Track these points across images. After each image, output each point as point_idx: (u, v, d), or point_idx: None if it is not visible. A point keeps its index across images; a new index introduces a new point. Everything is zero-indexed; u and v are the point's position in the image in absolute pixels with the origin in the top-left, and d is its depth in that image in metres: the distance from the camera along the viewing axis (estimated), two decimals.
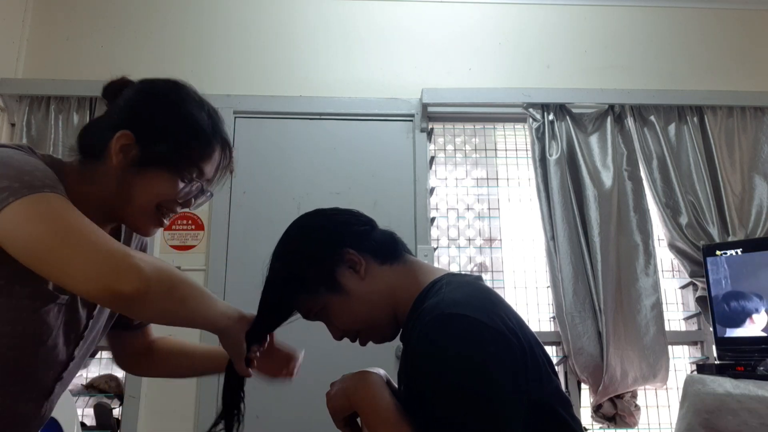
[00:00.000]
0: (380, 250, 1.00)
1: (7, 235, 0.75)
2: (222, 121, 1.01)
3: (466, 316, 0.81)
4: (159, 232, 2.45)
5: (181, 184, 0.93)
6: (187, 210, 1.00)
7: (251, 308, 1.19)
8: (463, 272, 1.19)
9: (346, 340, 1.04)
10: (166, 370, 1.25)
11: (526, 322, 0.93)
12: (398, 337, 1.04)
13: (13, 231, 0.74)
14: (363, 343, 1.03)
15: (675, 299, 2.68)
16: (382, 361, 2.34)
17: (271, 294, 1.02)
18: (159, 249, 2.43)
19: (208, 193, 1.00)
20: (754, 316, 2.10)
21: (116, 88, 0.97)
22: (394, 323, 1.00)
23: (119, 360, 1.21)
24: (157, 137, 0.91)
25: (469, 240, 2.65)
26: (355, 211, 1.06)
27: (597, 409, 2.37)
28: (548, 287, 2.51)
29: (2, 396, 0.87)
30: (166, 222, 0.98)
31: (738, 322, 2.12)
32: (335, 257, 0.98)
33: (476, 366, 0.78)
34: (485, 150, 2.75)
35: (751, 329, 2.08)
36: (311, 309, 1.00)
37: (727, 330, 2.13)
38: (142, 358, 1.19)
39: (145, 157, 0.90)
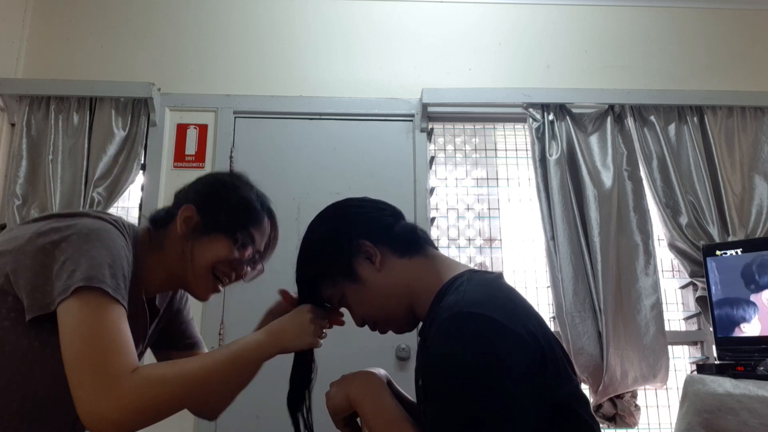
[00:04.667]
0: (399, 243, 1.01)
1: (60, 324, 0.86)
2: (269, 201, 1.15)
3: (485, 315, 0.81)
4: None
5: (235, 248, 1.06)
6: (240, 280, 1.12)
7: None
8: (484, 269, 1.19)
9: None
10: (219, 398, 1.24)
11: (546, 322, 0.93)
12: (403, 333, 1.05)
13: (63, 326, 0.85)
14: (382, 332, 1.05)
15: (675, 299, 2.69)
16: (382, 361, 2.35)
17: (299, 274, 1.06)
18: None
19: (260, 266, 1.12)
20: (746, 325, 2.11)
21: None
22: (410, 315, 1.01)
23: None
24: (214, 208, 1.07)
25: (469, 240, 2.65)
26: (381, 203, 1.08)
27: (597, 409, 2.37)
28: (548, 287, 2.51)
29: (33, 421, 0.93)
30: (222, 288, 1.10)
31: (730, 331, 2.13)
32: (351, 248, 0.99)
33: (490, 367, 0.78)
34: (485, 150, 2.75)
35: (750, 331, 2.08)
36: (332, 295, 1.03)
37: (727, 330, 2.13)
38: None
39: (204, 225, 1.06)
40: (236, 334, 1.25)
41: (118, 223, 0.98)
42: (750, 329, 2.08)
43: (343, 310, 1.06)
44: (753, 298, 2.09)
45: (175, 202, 1.12)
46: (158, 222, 1.10)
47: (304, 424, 1.06)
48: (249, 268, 1.10)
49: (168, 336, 1.21)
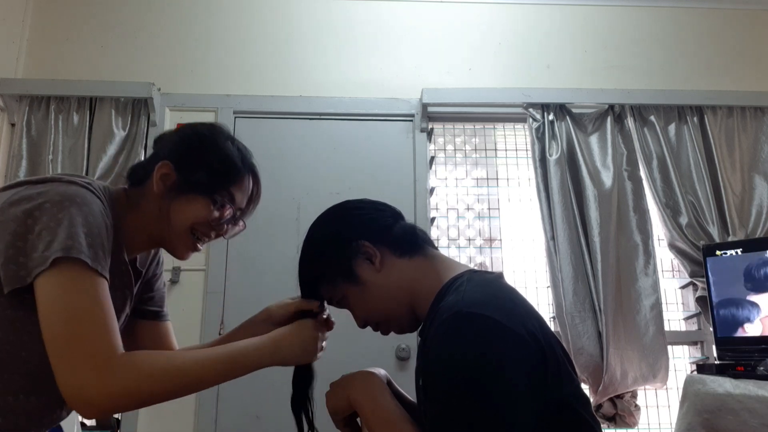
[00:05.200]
0: (398, 244, 1.01)
1: (38, 298, 0.83)
2: (251, 155, 1.10)
3: (484, 315, 0.81)
4: None
5: (213, 209, 1.02)
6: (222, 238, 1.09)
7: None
8: (484, 269, 1.20)
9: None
10: None
11: (547, 322, 0.92)
12: (405, 333, 1.05)
13: (41, 301, 0.82)
14: (384, 333, 1.05)
15: (675, 299, 2.69)
16: (382, 361, 2.34)
17: (301, 275, 1.06)
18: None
19: (241, 224, 1.09)
20: (746, 325, 2.12)
21: (163, 135, 1.12)
22: (411, 315, 1.01)
23: None
24: (193, 166, 1.02)
25: (469, 240, 2.65)
26: (380, 204, 1.08)
27: (597, 409, 2.37)
28: (548, 287, 2.51)
29: (30, 394, 0.91)
30: (201, 247, 1.07)
31: (730, 331, 2.13)
32: (351, 249, 1.00)
33: (489, 367, 0.78)
34: (485, 150, 2.75)
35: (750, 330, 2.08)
36: (332, 296, 1.04)
37: (729, 330, 2.13)
38: None
39: (181, 184, 1.01)
40: None
41: (92, 186, 0.94)
42: (753, 329, 2.09)
43: (346, 311, 1.06)
44: (753, 298, 2.09)
45: (153, 154, 1.07)
46: (135, 179, 1.05)
47: (309, 425, 1.07)
48: (229, 227, 1.07)
49: (137, 303, 1.16)
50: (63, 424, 1.66)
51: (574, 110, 2.65)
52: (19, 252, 0.83)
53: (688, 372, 2.50)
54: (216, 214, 1.02)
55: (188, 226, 1.02)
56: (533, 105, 2.62)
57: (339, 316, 1.10)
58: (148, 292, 1.19)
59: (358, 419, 1.00)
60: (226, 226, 1.06)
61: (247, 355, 0.94)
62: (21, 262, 0.83)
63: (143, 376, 0.83)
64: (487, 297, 0.86)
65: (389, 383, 1.02)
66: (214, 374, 0.91)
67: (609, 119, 2.63)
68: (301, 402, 1.07)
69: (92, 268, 0.84)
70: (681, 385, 2.03)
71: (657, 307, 2.42)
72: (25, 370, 0.88)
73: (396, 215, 1.06)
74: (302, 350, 1.00)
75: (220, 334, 2.38)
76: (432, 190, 2.65)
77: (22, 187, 0.90)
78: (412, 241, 1.02)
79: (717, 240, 2.45)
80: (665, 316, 2.45)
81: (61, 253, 0.81)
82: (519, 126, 2.75)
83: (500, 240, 2.66)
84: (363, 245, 0.99)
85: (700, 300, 2.46)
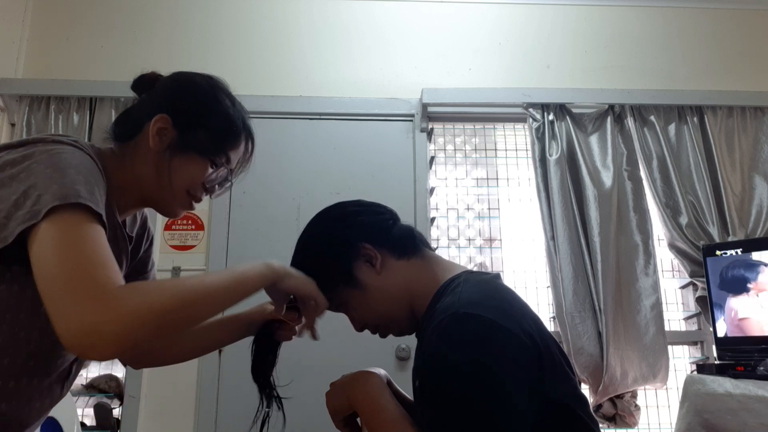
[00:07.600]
0: (397, 245, 1.01)
1: (31, 247, 0.74)
2: (248, 115, 1.06)
3: (481, 316, 0.81)
4: (159, 232, 2.45)
5: (210, 170, 0.98)
6: (208, 197, 1.04)
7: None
8: (481, 270, 1.19)
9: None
10: (173, 352, 1.16)
11: (544, 322, 0.92)
12: (404, 335, 1.04)
13: (34, 249, 0.73)
14: (383, 336, 1.04)
15: (675, 299, 2.69)
16: (382, 361, 2.35)
17: None
18: (159, 249, 2.43)
19: (230, 183, 1.04)
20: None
21: (148, 82, 1.05)
22: (411, 317, 1.01)
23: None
24: (193, 123, 0.96)
25: (469, 240, 2.65)
26: (377, 205, 1.07)
27: (597, 409, 2.37)
28: (548, 287, 2.51)
29: (33, 376, 0.86)
30: (195, 206, 1.03)
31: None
32: (351, 252, 0.99)
33: (486, 368, 0.78)
34: (485, 150, 2.75)
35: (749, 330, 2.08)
36: (331, 300, 1.02)
37: (727, 330, 2.13)
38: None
39: (180, 142, 0.95)
40: None
41: (79, 143, 0.86)
42: (720, 329, 2.14)
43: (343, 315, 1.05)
44: (729, 300, 2.10)
45: (141, 102, 1.01)
46: (123, 133, 0.98)
47: (276, 399, 1.07)
48: (219, 186, 1.03)
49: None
50: (63, 424, 1.66)
51: (574, 110, 2.65)
52: (1, 213, 0.75)
53: (688, 372, 2.50)
54: (213, 176, 0.99)
55: (186, 187, 0.98)
56: (533, 105, 2.62)
57: (338, 316, 1.10)
58: (142, 273, 1.12)
59: (358, 419, 1.00)
60: (217, 186, 1.03)
61: (246, 273, 0.88)
62: (2, 224, 0.75)
63: (152, 296, 0.74)
64: (483, 297, 0.86)
65: (389, 383, 1.02)
66: (221, 292, 0.82)
67: (609, 119, 2.63)
68: (265, 376, 1.06)
69: (95, 212, 0.76)
70: (681, 385, 2.03)
71: (657, 307, 2.42)
72: (26, 352, 0.82)
73: (393, 216, 1.06)
74: (305, 281, 0.97)
75: None
76: (432, 190, 2.65)
77: (2, 152, 0.82)
78: (410, 243, 1.02)
79: (717, 240, 2.45)
80: (665, 316, 2.46)
81: (57, 202, 0.73)
82: (519, 126, 2.75)
83: (500, 240, 2.66)
84: (364, 248, 0.99)
85: (700, 300, 2.46)
